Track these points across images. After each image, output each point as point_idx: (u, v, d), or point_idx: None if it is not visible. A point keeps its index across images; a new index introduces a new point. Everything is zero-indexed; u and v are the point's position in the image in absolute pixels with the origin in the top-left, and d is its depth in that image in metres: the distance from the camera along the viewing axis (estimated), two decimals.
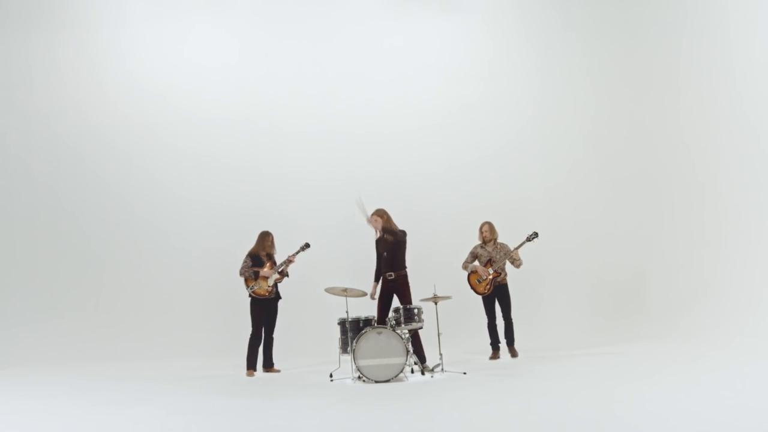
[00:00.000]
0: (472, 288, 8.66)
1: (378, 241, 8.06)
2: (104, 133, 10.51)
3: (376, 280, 8.03)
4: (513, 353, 8.43)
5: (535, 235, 8.52)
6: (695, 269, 9.34)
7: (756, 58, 8.46)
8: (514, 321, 8.57)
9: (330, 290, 7.57)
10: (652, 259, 10.00)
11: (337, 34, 10.66)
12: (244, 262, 8.26)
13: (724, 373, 6.42)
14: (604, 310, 9.90)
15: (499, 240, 8.74)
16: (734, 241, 8.77)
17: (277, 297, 8.34)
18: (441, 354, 7.32)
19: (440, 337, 7.36)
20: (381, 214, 7.95)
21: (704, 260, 9.24)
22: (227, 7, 10.66)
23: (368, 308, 7.93)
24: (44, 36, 10.56)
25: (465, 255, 8.86)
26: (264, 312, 8.20)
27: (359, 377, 6.99)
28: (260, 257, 8.26)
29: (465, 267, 8.74)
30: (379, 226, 7.93)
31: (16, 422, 5.82)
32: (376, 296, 7.95)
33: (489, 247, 8.67)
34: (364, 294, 7.63)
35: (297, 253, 8.24)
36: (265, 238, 8.37)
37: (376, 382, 6.87)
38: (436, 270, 9.26)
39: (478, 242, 8.79)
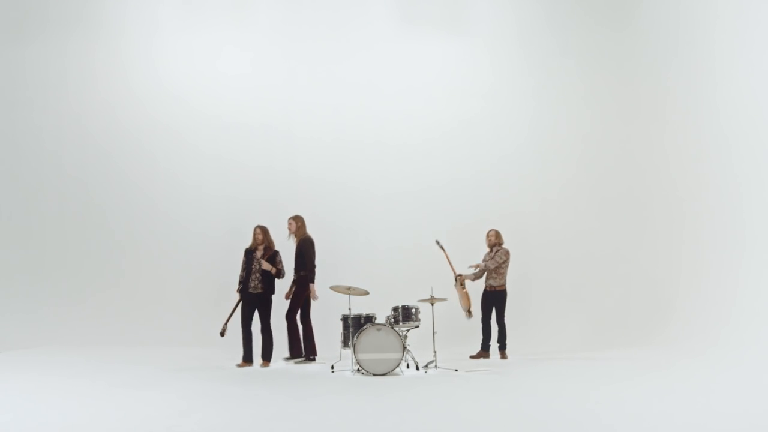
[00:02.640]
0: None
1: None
2: (132, 133, 10.55)
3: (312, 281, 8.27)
4: (503, 356, 8.39)
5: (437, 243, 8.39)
6: (674, 282, 9.32)
7: (736, 89, 8.48)
8: (507, 326, 8.51)
9: (335, 288, 7.59)
10: (635, 272, 9.97)
11: (350, 51, 10.67)
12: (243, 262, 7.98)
13: (697, 379, 6.41)
14: (589, 317, 9.86)
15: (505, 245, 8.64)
16: (711, 256, 8.77)
17: (268, 292, 7.92)
18: (435, 351, 7.32)
19: (435, 336, 7.36)
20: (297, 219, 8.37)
21: (682, 274, 9.23)
22: (250, 24, 10.69)
23: (369, 306, 7.93)
24: (80, 42, 10.62)
25: (461, 261, 8.81)
26: (250, 308, 7.86)
27: (358, 370, 7.00)
28: (254, 252, 7.95)
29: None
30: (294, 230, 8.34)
31: (37, 399, 5.85)
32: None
33: (489, 254, 8.62)
34: (367, 293, 7.63)
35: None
36: (254, 232, 8.03)
37: (374, 375, 6.88)
38: (434, 274, 9.27)
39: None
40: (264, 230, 8.03)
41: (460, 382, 6.47)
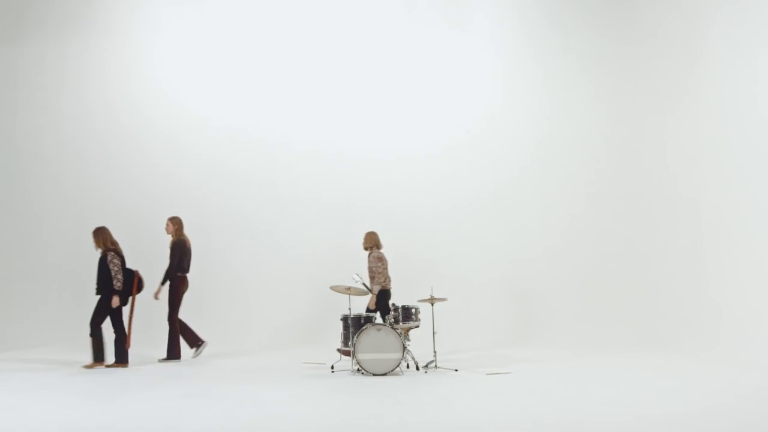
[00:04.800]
0: None
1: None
2: (132, 132, 10.55)
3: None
4: None
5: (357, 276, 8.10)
6: (673, 284, 9.33)
7: (737, 87, 8.49)
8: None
9: (335, 288, 7.59)
10: (635, 273, 9.92)
11: (352, 54, 10.62)
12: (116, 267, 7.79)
13: (695, 379, 6.42)
14: (593, 320, 9.79)
15: (383, 250, 8.34)
16: (708, 259, 8.78)
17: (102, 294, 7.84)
18: (435, 351, 7.32)
19: (435, 335, 7.36)
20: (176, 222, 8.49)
21: (679, 275, 9.24)
22: (250, 25, 10.68)
23: None
24: (80, 42, 10.64)
25: (461, 262, 8.82)
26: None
27: (358, 370, 7.00)
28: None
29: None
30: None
31: (37, 399, 5.86)
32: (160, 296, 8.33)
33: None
34: (367, 293, 7.63)
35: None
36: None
37: (374, 375, 6.88)
38: (433, 274, 9.29)
39: None
40: (94, 232, 8.01)
41: (460, 382, 6.47)
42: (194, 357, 8.32)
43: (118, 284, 7.76)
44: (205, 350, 8.47)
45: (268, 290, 9.96)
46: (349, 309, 7.42)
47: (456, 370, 7.13)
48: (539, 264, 10.03)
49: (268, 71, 10.65)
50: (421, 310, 7.41)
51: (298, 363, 7.98)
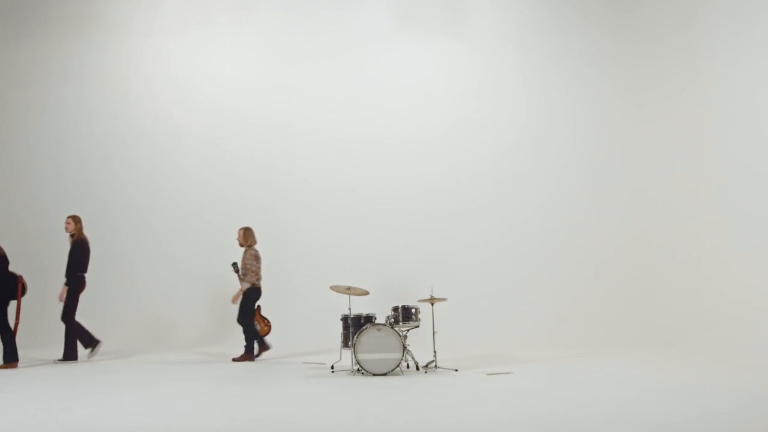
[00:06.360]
0: None
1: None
2: (130, 132, 10.56)
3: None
4: (245, 358, 8.24)
5: (234, 266, 8.45)
6: (675, 285, 9.35)
7: (738, 86, 8.50)
8: (244, 327, 8.30)
9: (335, 288, 7.59)
10: (639, 277, 9.93)
11: (350, 51, 10.61)
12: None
13: (695, 379, 6.43)
14: (593, 320, 9.81)
15: (258, 246, 8.57)
16: (709, 259, 8.79)
17: None
18: (435, 351, 7.33)
19: (435, 336, 7.37)
20: (77, 220, 8.42)
21: (684, 277, 9.25)
22: (250, 23, 10.67)
23: (369, 306, 7.94)
24: (80, 41, 10.66)
25: (461, 262, 8.82)
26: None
27: (358, 370, 7.01)
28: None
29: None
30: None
31: (37, 399, 5.86)
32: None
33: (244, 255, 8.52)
34: (367, 293, 7.63)
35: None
36: None
37: (374, 375, 6.89)
38: (434, 274, 9.29)
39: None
40: None
41: (460, 382, 6.48)
42: (89, 357, 8.25)
43: None
44: (202, 351, 8.47)
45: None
46: (349, 309, 7.42)
47: (456, 370, 7.14)
48: (539, 264, 10.03)
49: (270, 66, 10.63)
50: (421, 310, 7.42)
51: (298, 363, 8.00)
